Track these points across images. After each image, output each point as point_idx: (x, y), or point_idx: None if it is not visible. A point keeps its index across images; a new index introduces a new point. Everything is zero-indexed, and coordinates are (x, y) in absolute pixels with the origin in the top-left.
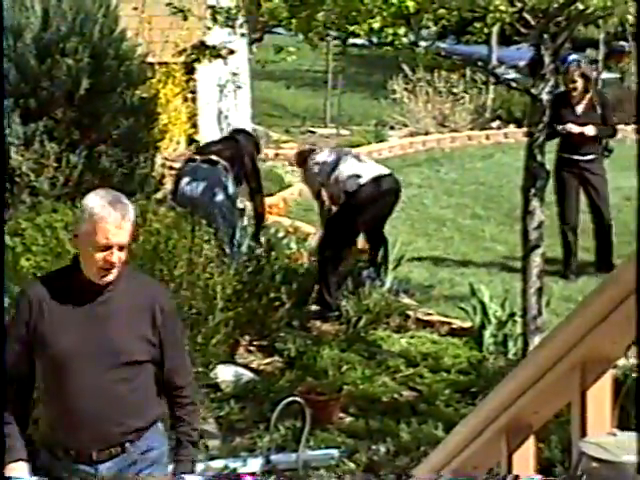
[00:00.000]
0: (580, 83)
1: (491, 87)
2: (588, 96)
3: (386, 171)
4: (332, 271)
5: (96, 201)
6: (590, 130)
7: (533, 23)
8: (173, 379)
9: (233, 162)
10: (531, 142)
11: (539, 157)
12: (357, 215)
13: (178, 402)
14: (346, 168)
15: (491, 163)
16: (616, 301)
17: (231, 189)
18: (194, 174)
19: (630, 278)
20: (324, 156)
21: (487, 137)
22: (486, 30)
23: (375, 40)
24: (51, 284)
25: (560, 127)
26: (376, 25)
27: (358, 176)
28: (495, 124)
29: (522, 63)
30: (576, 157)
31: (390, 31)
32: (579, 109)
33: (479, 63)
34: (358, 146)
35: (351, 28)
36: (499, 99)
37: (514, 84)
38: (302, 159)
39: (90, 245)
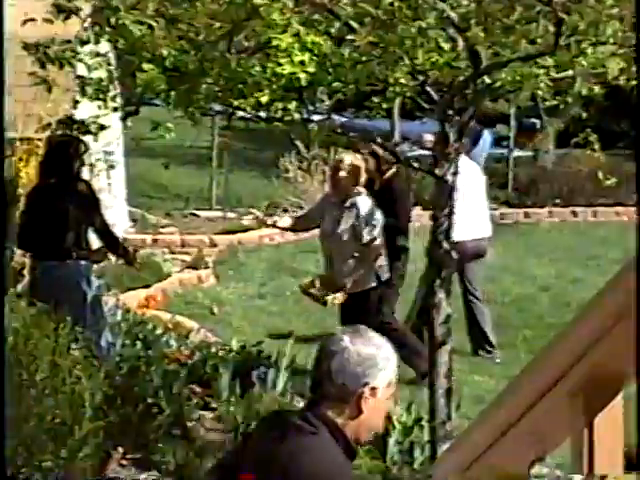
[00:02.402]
0: (371, 163)
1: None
2: (383, 178)
3: None
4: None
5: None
6: None
7: (436, 98)
8: None
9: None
10: (435, 227)
11: (445, 244)
12: None
13: None
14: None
15: None
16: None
17: (96, 282)
18: (50, 272)
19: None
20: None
21: None
22: (385, 105)
23: (263, 115)
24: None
25: None
26: (264, 99)
27: None
28: None
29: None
30: None
31: (280, 105)
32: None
33: (378, 139)
34: (247, 230)
35: (237, 102)
36: None
37: (416, 164)
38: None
39: (389, 394)
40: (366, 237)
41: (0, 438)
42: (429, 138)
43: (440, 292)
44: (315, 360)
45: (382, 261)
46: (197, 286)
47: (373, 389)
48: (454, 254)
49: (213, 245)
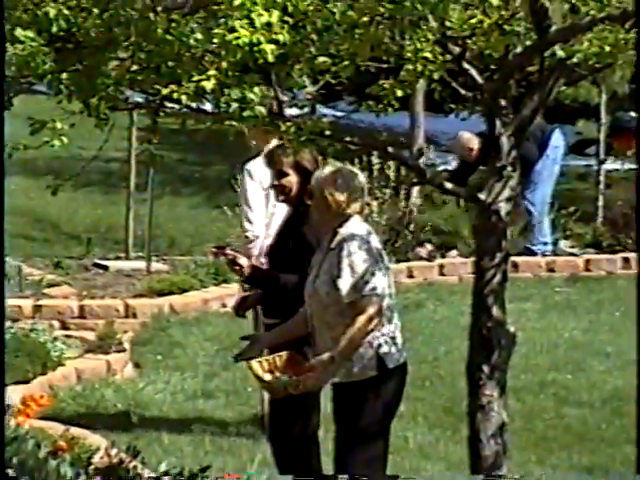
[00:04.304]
0: (294, 179)
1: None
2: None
3: None
4: None
5: None
6: (244, 262)
7: (480, 80)
8: None
9: None
10: (482, 285)
11: (495, 309)
12: None
13: None
14: None
15: (420, 318)
16: None
17: None
18: None
19: None
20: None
21: (410, 273)
22: (400, 92)
23: (209, 109)
24: None
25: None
26: (209, 84)
27: None
28: (424, 250)
29: (471, 144)
30: None
31: (234, 94)
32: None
33: (389, 149)
34: (185, 291)
35: (166, 90)
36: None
37: (450, 185)
38: None
39: None
40: (347, 290)
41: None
42: (470, 144)
43: (490, 387)
44: None
45: (387, 334)
46: (105, 380)
47: None
48: (512, 328)
49: (131, 315)
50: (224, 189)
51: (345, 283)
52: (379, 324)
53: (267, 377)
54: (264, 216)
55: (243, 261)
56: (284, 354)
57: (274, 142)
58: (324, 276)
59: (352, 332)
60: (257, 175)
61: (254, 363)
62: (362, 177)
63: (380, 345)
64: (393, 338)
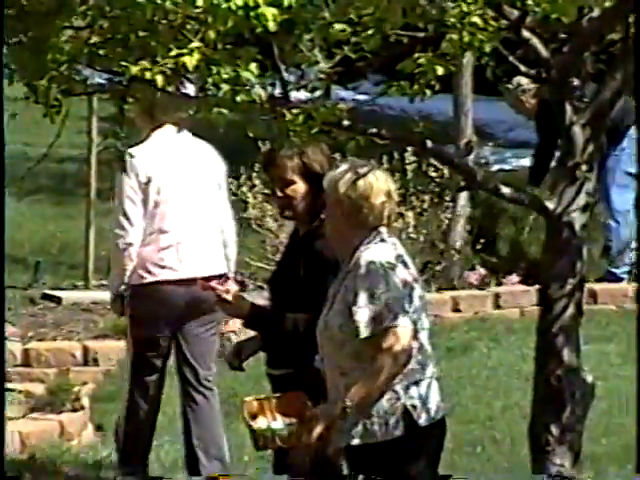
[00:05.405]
0: (302, 187)
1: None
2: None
3: None
4: None
5: None
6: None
7: (545, 54)
8: None
9: None
10: (550, 320)
11: (567, 353)
12: None
13: None
14: None
15: (469, 363)
16: None
17: None
18: None
19: None
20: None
21: (456, 305)
22: (441, 70)
23: (192, 91)
24: None
25: None
26: (192, 60)
27: None
28: (474, 275)
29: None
30: None
31: (225, 73)
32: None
33: (429, 143)
34: None
35: (136, 68)
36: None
37: (507, 189)
38: None
39: None
40: (365, 322)
41: (0, 438)
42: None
43: (560, 454)
44: None
45: (420, 384)
46: (58, 447)
47: None
48: (589, 377)
49: (91, 361)
50: None
51: (363, 312)
52: (408, 368)
53: (256, 423)
54: (141, 218)
55: (232, 296)
56: (281, 395)
57: (168, 126)
58: (338, 305)
59: (371, 378)
60: (135, 167)
61: (246, 402)
62: (390, 179)
63: (410, 397)
64: (428, 389)
